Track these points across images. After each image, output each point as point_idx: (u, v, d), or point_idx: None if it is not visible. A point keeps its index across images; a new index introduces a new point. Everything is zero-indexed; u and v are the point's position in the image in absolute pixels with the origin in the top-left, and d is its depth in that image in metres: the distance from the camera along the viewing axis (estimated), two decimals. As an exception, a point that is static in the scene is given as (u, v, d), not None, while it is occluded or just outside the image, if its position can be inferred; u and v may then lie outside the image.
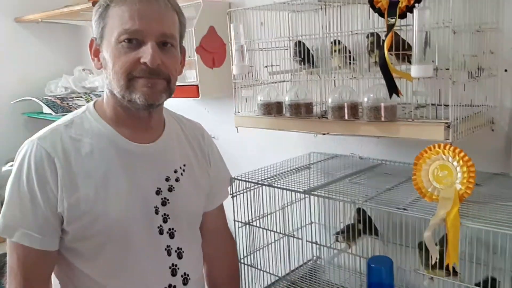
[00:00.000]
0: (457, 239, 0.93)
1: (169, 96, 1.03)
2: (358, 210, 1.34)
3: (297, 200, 1.56)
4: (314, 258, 1.62)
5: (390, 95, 1.06)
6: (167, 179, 1.06)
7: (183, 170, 1.09)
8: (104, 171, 0.98)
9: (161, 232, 1.03)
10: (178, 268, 1.05)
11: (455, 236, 0.93)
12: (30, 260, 0.95)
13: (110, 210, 0.97)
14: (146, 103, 0.97)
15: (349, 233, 1.32)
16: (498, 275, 1.15)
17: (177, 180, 1.07)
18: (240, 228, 1.42)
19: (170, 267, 1.04)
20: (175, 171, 1.07)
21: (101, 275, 0.99)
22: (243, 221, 1.42)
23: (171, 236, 1.04)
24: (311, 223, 1.63)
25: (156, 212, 1.02)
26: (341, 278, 1.46)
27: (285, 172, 1.44)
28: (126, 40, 0.94)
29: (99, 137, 1.00)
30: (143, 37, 0.95)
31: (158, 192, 1.03)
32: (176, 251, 1.04)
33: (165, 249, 1.03)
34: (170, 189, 1.05)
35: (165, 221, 1.03)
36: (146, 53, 0.94)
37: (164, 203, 1.04)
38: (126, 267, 1.00)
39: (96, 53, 1.02)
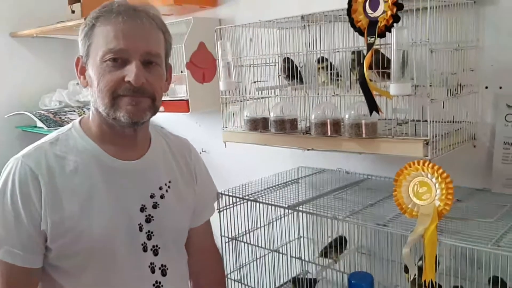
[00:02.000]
0: (434, 255, 0.94)
1: (154, 114, 1.04)
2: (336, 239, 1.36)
3: (284, 215, 1.57)
4: (304, 272, 1.63)
5: (370, 113, 1.08)
6: (152, 196, 1.07)
7: (168, 187, 1.10)
8: (88, 189, 0.99)
9: (145, 249, 1.04)
10: (162, 286, 1.05)
11: (432, 252, 0.94)
12: (14, 277, 0.96)
13: (94, 227, 0.98)
14: (130, 121, 0.99)
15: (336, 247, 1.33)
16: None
17: (162, 197, 1.08)
18: (227, 243, 1.43)
19: (153, 285, 1.05)
20: (160, 188, 1.09)
21: None
22: (230, 236, 1.43)
23: (155, 253, 1.05)
24: (299, 237, 1.64)
25: (140, 229, 1.03)
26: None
27: (272, 187, 1.46)
28: (111, 59, 0.96)
29: (84, 154, 1.02)
30: (128, 56, 0.97)
31: (142, 209, 1.04)
32: (160, 268, 1.05)
33: (149, 266, 1.04)
34: (155, 206, 1.06)
35: (149, 238, 1.04)
36: (131, 72, 0.96)
37: (148, 220, 1.05)
38: (109, 284, 1.01)
39: (82, 71, 1.04)
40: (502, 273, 0.95)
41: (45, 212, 0.95)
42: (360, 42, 1.17)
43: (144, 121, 1.02)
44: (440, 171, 1.02)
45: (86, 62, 1.02)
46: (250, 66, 1.50)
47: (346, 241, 1.35)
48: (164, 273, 1.05)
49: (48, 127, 2.13)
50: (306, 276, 1.49)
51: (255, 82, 1.48)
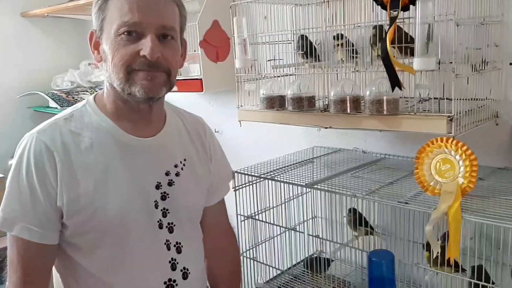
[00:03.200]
0: (459, 233, 0.92)
1: (170, 89, 1.02)
2: (350, 210, 1.34)
3: (300, 194, 1.56)
4: (318, 251, 1.62)
5: (393, 89, 1.05)
6: (167, 174, 1.05)
7: (184, 165, 1.09)
8: (103, 165, 0.98)
9: (160, 226, 1.03)
10: (178, 263, 1.05)
11: (456, 230, 0.92)
12: (30, 254, 0.96)
13: (110, 204, 0.97)
14: (146, 96, 0.96)
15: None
16: (501, 270, 1.14)
17: (177, 174, 1.07)
18: (243, 222, 1.42)
19: (169, 262, 1.04)
20: (176, 166, 1.07)
21: (100, 269, 0.99)
22: (246, 214, 1.42)
23: (170, 230, 1.04)
24: (315, 217, 1.63)
25: (156, 207, 1.02)
26: (344, 272, 1.46)
27: (288, 166, 1.44)
28: (125, 33, 0.94)
29: (99, 131, 1.00)
30: (143, 29, 0.94)
31: (158, 186, 1.03)
32: (175, 246, 1.04)
33: (165, 243, 1.03)
34: (170, 184, 1.05)
35: (164, 215, 1.03)
36: (146, 46, 0.93)
37: (163, 197, 1.03)
38: (125, 261, 1.00)
39: (96, 46, 1.02)
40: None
41: (60, 189, 0.94)
42: (382, 17, 1.13)
43: (160, 96, 1.00)
44: (464, 148, 0.99)
45: (100, 37, 0.99)
46: (264, 44, 1.47)
47: (362, 220, 1.33)
48: (179, 250, 1.04)
49: (62, 107, 2.13)
50: (321, 256, 1.48)
51: (270, 60, 1.45)
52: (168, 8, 0.98)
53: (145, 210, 1.01)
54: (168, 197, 1.04)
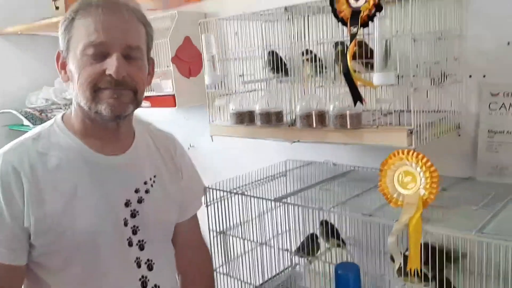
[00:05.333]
0: (419, 244, 0.94)
1: (137, 107, 1.03)
2: (322, 222, 1.36)
3: (272, 208, 1.57)
4: (292, 265, 1.63)
5: (355, 103, 1.08)
6: (137, 191, 1.06)
7: (153, 182, 1.09)
8: (71, 185, 0.98)
9: (130, 244, 1.03)
10: (149, 280, 1.05)
11: (416, 241, 0.94)
12: (-2, 274, 0.95)
13: (78, 223, 0.97)
14: (112, 114, 0.98)
15: (308, 248, 1.34)
16: (469, 279, 1.17)
17: (147, 191, 1.07)
18: (215, 238, 1.43)
19: (140, 279, 1.04)
20: (145, 183, 1.08)
21: None
22: (218, 230, 1.43)
23: (141, 248, 1.04)
24: (288, 230, 1.64)
25: (125, 224, 1.03)
26: (318, 285, 1.47)
27: (260, 180, 1.46)
28: (91, 53, 0.95)
29: (67, 150, 1.01)
30: (108, 49, 0.95)
31: (127, 203, 1.04)
32: (146, 263, 1.05)
33: (135, 261, 1.03)
34: (140, 201, 1.05)
35: (134, 233, 1.04)
36: (111, 65, 0.95)
37: (133, 214, 1.04)
38: (95, 280, 1.00)
39: (63, 66, 1.03)
40: (488, 261, 0.95)
41: (27, 209, 0.94)
42: (344, 33, 1.17)
43: (126, 114, 1.01)
44: (424, 160, 1.02)
45: (66, 57, 1.00)
46: (235, 59, 1.49)
47: (317, 237, 1.36)
48: (150, 268, 1.05)
49: (34, 125, 2.11)
50: (296, 269, 1.49)
51: (241, 75, 1.47)
52: (134, 27, 0.99)
53: (114, 228, 1.01)
54: (138, 214, 1.05)
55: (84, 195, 0.98)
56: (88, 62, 0.96)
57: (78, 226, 0.96)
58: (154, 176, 1.10)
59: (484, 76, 1.23)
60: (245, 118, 1.37)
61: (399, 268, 1.04)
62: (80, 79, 0.96)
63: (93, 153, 1.02)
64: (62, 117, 1.07)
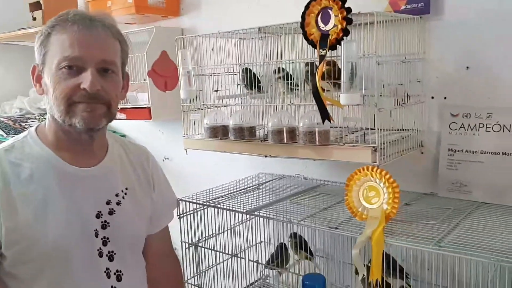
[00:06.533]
0: (381, 256, 0.99)
1: (110, 121, 1.06)
2: (291, 234, 1.40)
3: (245, 220, 1.60)
4: (263, 277, 1.66)
5: (323, 121, 1.13)
6: (108, 203, 1.07)
7: (125, 194, 1.11)
8: (43, 195, 0.99)
9: (100, 255, 1.04)
10: (118, 291, 1.06)
11: (378, 253, 0.99)
12: (-32, 285, 0.95)
13: (49, 233, 0.97)
14: (85, 127, 1.00)
15: (278, 260, 1.37)
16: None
17: (118, 203, 1.09)
18: (187, 249, 1.45)
19: (109, 290, 1.05)
20: (117, 195, 1.09)
21: None
22: (190, 242, 1.45)
23: (111, 259, 1.05)
24: (260, 242, 1.67)
25: (96, 235, 1.04)
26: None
27: (233, 193, 1.49)
28: (66, 67, 0.97)
29: (39, 161, 1.02)
30: (83, 63, 0.98)
31: (98, 215, 1.05)
32: (115, 274, 1.06)
33: (104, 271, 1.04)
34: (111, 213, 1.07)
35: (104, 244, 1.05)
36: (86, 79, 0.97)
37: (104, 226, 1.05)
38: (65, 289, 1.01)
39: (38, 79, 1.04)
40: (444, 272, 1.01)
41: (-1, 219, 0.94)
42: (315, 54, 1.22)
43: (100, 127, 1.03)
44: (387, 176, 1.07)
45: (42, 70, 1.02)
46: (211, 75, 1.53)
47: (286, 248, 1.40)
48: (119, 279, 1.06)
49: (8, 135, 2.09)
50: (267, 281, 1.52)
51: (216, 90, 1.51)
52: (109, 43, 1.02)
53: (85, 239, 1.02)
54: (109, 225, 1.06)
55: (55, 206, 1.00)
56: (63, 76, 0.98)
57: (49, 236, 0.97)
58: (126, 189, 1.12)
59: (445, 98, 1.30)
60: (219, 132, 1.40)
61: (363, 279, 1.08)
62: (55, 92, 0.98)
63: (66, 164, 1.03)
64: (36, 129, 1.08)
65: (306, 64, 1.26)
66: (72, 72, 0.98)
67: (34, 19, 2.12)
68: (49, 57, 1.00)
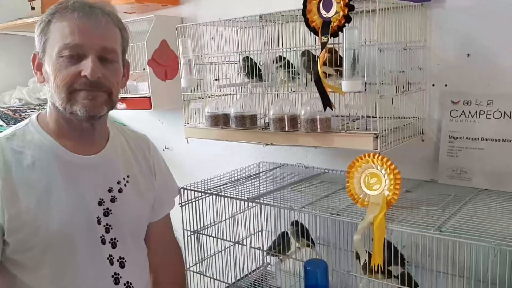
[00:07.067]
0: (382, 241, 1.00)
1: (111, 109, 1.06)
2: (293, 222, 1.41)
3: (247, 208, 1.61)
4: (265, 264, 1.67)
5: (325, 108, 1.13)
6: (110, 190, 1.08)
7: (127, 181, 1.12)
8: (45, 183, 1.00)
9: (103, 241, 1.05)
10: (121, 277, 1.07)
11: (380, 238, 1.00)
12: (-29, 271, 0.95)
13: (52, 221, 0.98)
14: (87, 115, 1.00)
15: (280, 247, 1.38)
16: (430, 276, 1.23)
17: (120, 191, 1.09)
18: (189, 237, 1.45)
19: (112, 276, 1.06)
20: (119, 182, 1.10)
21: (44, 285, 1.00)
22: (192, 230, 1.46)
23: (113, 245, 1.06)
24: (261, 230, 1.68)
25: (99, 223, 1.05)
26: (289, 283, 1.51)
27: (234, 181, 1.49)
28: (67, 55, 0.97)
29: (41, 149, 1.02)
30: (84, 51, 0.98)
31: (100, 202, 1.06)
32: (118, 260, 1.07)
33: (108, 258, 1.05)
34: (113, 200, 1.08)
35: (107, 231, 1.06)
36: (87, 67, 0.97)
37: (106, 213, 1.06)
38: (68, 277, 1.01)
39: (39, 67, 1.04)
40: (444, 258, 1.01)
41: (1, 206, 0.95)
42: (316, 41, 1.22)
43: (101, 115, 1.04)
44: (389, 163, 1.08)
45: (42, 58, 1.02)
46: (211, 64, 1.53)
47: (287, 235, 1.41)
48: (122, 265, 1.07)
49: (8, 125, 2.09)
50: (268, 268, 1.53)
51: (217, 79, 1.51)
52: (109, 30, 1.02)
53: (88, 226, 1.03)
54: (111, 213, 1.07)
55: (57, 193, 1.00)
56: (64, 64, 0.98)
57: (51, 223, 0.98)
58: (128, 176, 1.13)
59: (446, 85, 1.30)
60: (220, 121, 1.40)
61: (364, 265, 1.09)
62: (56, 80, 0.98)
63: (68, 152, 1.04)
64: (37, 117, 1.08)
65: (303, 53, 1.25)
66: (72, 59, 0.98)
67: (33, 8, 2.11)
68: (50, 45, 1.00)
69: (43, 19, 1.01)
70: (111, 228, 1.06)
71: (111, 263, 1.05)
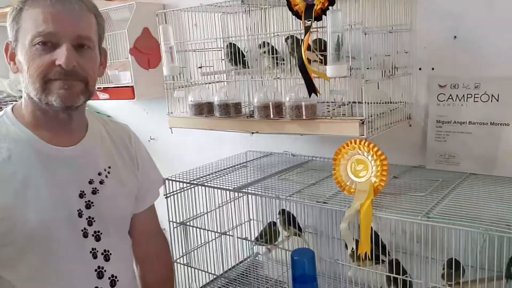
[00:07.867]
0: (369, 228, 0.98)
1: (88, 98, 1.02)
2: (280, 211, 1.39)
3: (234, 198, 1.59)
4: (253, 254, 1.65)
5: (310, 94, 1.11)
6: (91, 182, 1.05)
7: (108, 173, 1.08)
8: (22, 176, 0.96)
9: (85, 235, 1.02)
10: (105, 271, 1.04)
11: (367, 226, 0.98)
12: None
13: (30, 215, 0.95)
14: (63, 105, 0.96)
15: (267, 236, 1.36)
16: (419, 262, 1.22)
17: (101, 182, 1.06)
18: (175, 229, 1.43)
19: (96, 270, 1.03)
20: (99, 174, 1.07)
21: (25, 280, 0.97)
22: (178, 221, 1.43)
23: (97, 238, 1.04)
24: (249, 220, 1.66)
25: (80, 216, 1.02)
26: (278, 273, 1.50)
27: (221, 171, 1.47)
28: (40, 43, 0.93)
29: (17, 142, 0.99)
30: (58, 39, 0.94)
31: (81, 195, 1.03)
32: (102, 254, 1.04)
33: (90, 251, 1.03)
34: (95, 192, 1.05)
35: (90, 224, 1.03)
36: (61, 55, 0.93)
37: (88, 206, 1.03)
38: (50, 271, 0.99)
39: (12, 57, 1.00)
40: (433, 244, 1.00)
41: (-23, 202, 0.91)
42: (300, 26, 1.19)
43: (78, 105, 1.00)
44: (375, 149, 1.06)
45: (15, 47, 0.98)
46: (194, 51, 1.49)
47: (275, 224, 1.39)
48: (107, 258, 1.04)
49: (-12, 118, 2.04)
50: (257, 258, 1.52)
51: (200, 67, 1.47)
52: (83, 17, 0.98)
53: (68, 220, 1.00)
54: (93, 205, 1.04)
55: (35, 187, 0.97)
56: (37, 53, 0.94)
57: (29, 218, 0.95)
58: (109, 167, 1.10)
59: (432, 69, 1.28)
60: (204, 109, 1.37)
61: (352, 253, 1.08)
62: (29, 70, 0.95)
63: (45, 144, 1.00)
64: (12, 108, 1.04)
65: (287, 38, 1.22)
66: (46, 48, 0.94)
67: (10, -3, 2.04)
68: (22, 33, 0.95)
69: (14, 6, 0.97)
70: (94, 221, 1.03)
71: (94, 257, 1.03)
